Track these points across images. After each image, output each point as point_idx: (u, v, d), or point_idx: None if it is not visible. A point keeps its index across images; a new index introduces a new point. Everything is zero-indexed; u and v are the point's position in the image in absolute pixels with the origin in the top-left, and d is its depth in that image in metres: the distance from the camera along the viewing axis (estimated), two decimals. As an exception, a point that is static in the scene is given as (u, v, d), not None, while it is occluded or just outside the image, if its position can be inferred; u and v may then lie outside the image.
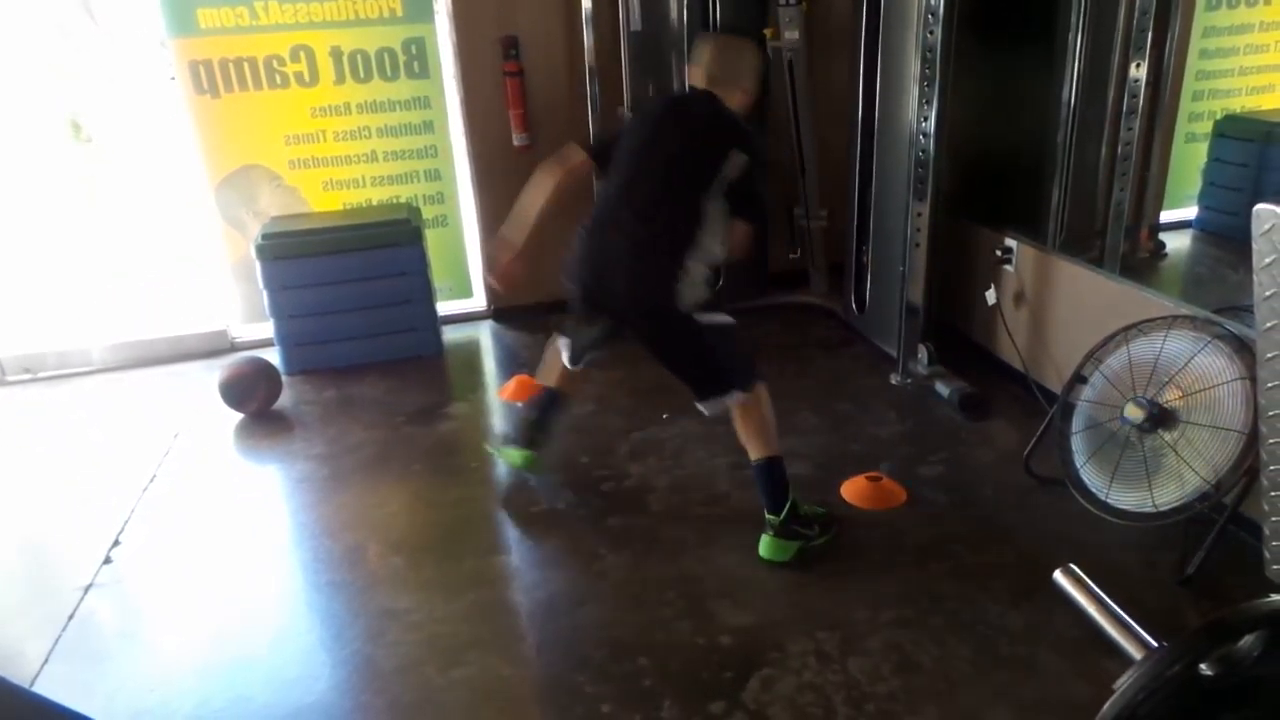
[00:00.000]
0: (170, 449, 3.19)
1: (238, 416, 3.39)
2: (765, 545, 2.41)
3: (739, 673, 2.01)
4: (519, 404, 2.90)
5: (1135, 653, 1.25)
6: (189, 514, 2.82)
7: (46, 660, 2.19)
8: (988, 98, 3.39)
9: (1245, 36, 3.39)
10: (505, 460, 2.78)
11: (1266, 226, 1.76)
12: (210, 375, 3.57)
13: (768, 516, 2.41)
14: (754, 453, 2.45)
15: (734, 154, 2.29)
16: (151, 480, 2.99)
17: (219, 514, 2.81)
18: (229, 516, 2.80)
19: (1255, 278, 1.82)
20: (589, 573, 2.40)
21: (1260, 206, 1.77)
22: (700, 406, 2.45)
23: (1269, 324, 1.82)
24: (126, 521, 2.76)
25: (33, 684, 2.12)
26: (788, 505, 2.40)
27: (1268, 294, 1.80)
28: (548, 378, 2.77)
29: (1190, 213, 3.51)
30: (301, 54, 3.74)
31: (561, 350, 2.68)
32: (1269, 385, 1.87)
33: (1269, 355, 1.85)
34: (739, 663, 2.04)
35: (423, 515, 2.79)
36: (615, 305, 2.43)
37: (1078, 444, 2.52)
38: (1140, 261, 3.32)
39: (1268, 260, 1.78)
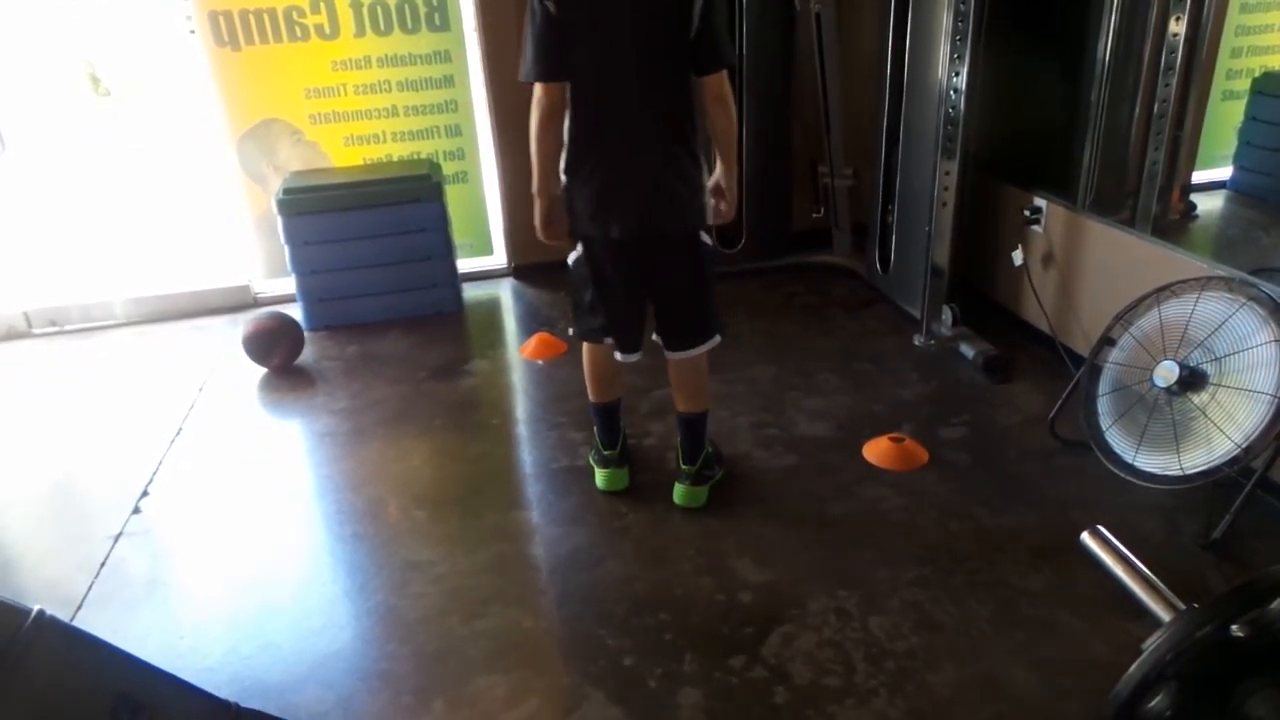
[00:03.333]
0: (195, 402, 3.22)
1: (261, 371, 3.41)
2: (684, 494, 2.47)
3: (759, 629, 2.03)
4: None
5: (1163, 614, 1.25)
6: (215, 466, 2.85)
7: (80, 606, 2.24)
8: (1019, 54, 3.31)
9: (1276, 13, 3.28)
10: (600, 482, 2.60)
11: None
12: (233, 330, 3.60)
13: (685, 467, 2.48)
14: (698, 405, 2.45)
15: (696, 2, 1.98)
16: (178, 433, 3.02)
17: (244, 467, 2.85)
18: (254, 469, 2.83)
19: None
20: (610, 529, 2.42)
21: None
22: (678, 354, 2.38)
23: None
24: (154, 473, 2.80)
25: (66, 629, 2.17)
26: (704, 455, 2.48)
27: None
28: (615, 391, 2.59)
29: (1224, 173, 3.43)
30: (321, 4, 3.70)
31: (615, 354, 2.42)
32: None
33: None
34: (759, 619, 2.06)
35: (445, 470, 2.81)
36: (647, 233, 2.19)
37: (1104, 406, 2.50)
38: (1172, 223, 3.25)
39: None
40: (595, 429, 2.63)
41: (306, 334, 3.56)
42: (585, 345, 2.49)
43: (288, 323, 3.45)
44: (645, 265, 2.29)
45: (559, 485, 2.64)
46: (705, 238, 2.31)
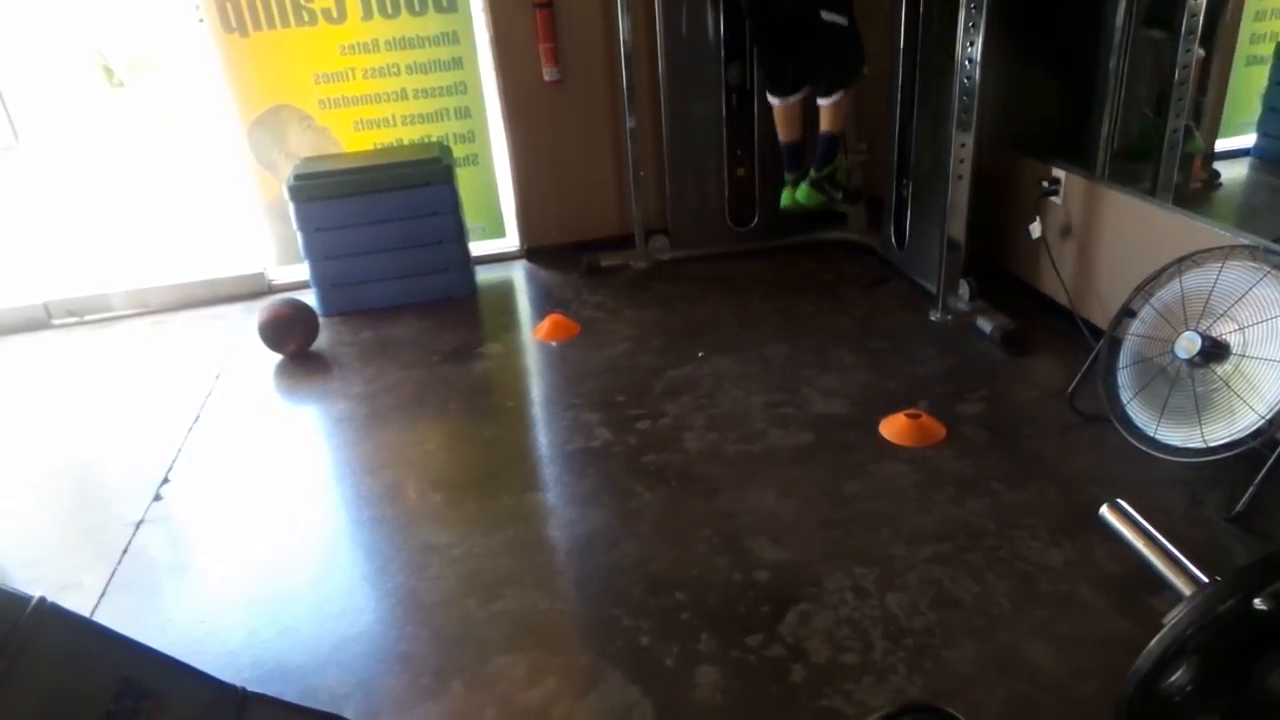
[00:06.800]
0: (213, 390, 3.24)
1: (277, 357, 3.43)
2: (801, 190, 3.38)
3: (776, 607, 2.03)
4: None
5: (1185, 588, 1.23)
6: (233, 453, 2.88)
7: (104, 593, 2.27)
8: (1037, 22, 3.24)
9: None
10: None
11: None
12: (249, 317, 3.61)
13: (812, 171, 3.35)
14: (829, 127, 3.26)
15: None
16: (196, 420, 3.04)
17: (262, 453, 2.87)
18: (272, 455, 2.85)
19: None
20: (625, 510, 2.42)
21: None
22: (825, 100, 3.19)
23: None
24: (174, 460, 2.82)
25: (92, 614, 2.20)
26: (830, 169, 3.31)
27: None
28: (790, 133, 3.41)
29: (1248, 140, 3.36)
30: (328, -11, 3.68)
31: (776, 101, 3.32)
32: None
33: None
34: (776, 598, 2.06)
35: (460, 453, 2.82)
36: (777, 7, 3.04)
37: (1124, 380, 2.46)
38: (1194, 192, 3.19)
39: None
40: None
41: (321, 320, 3.57)
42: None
43: (302, 309, 3.46)
44: (783, 28, 3.16)
45: (574, 467, 2.64)
46: (826, 15, 2.98)
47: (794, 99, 3.28)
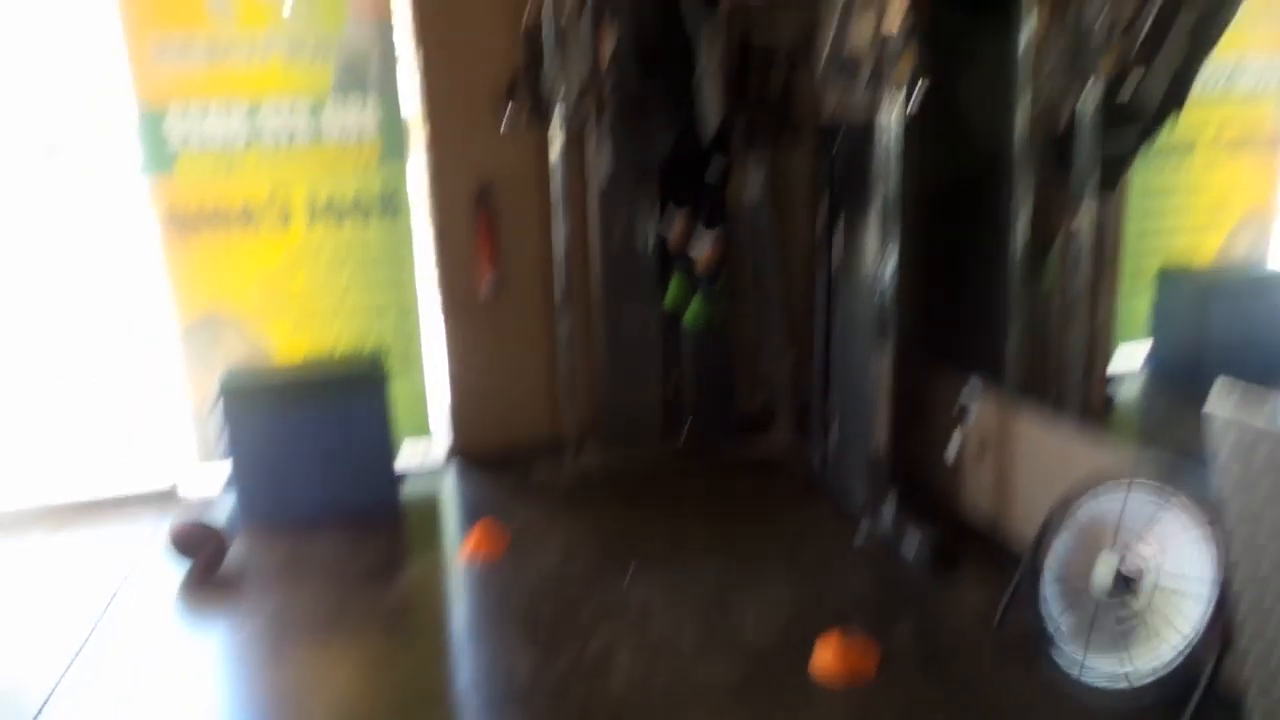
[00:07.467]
0: (107, 610, 3.01)
1: (181, 575, 3.22)
2: (693, 309, 3.90)
3: None
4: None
5: None
6: (120, 687, 2.62)
7: None
8: (947, 244, 3.49)
9: (1174, 198, 3.53)
10: None
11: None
12: (157, 530, 3.43)
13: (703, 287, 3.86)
14: (712, 255, 3.76)
15: None
16: (83, 645, 2.80)
17: (155, 685, 2.63)
18: (166, 687, 2.61)
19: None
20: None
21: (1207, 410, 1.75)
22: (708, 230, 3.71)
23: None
24: (46, 700, 2.56)
25: None
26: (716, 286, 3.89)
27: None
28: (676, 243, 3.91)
29: (1143, 353, 3.56)
30: (276, 197, 3.78)
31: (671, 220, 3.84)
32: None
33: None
34: None
35: (375, 685, 2.63)
36: None
37: (1048, 609, 2.47)
38: (1097, 406, 3.35)
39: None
40: None
41: (237, 531, 3.41)
42: None
43: (213, 523, 3.31)
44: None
45: (495, 705, 2.48)
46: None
47: (680, 217, 3.89)
